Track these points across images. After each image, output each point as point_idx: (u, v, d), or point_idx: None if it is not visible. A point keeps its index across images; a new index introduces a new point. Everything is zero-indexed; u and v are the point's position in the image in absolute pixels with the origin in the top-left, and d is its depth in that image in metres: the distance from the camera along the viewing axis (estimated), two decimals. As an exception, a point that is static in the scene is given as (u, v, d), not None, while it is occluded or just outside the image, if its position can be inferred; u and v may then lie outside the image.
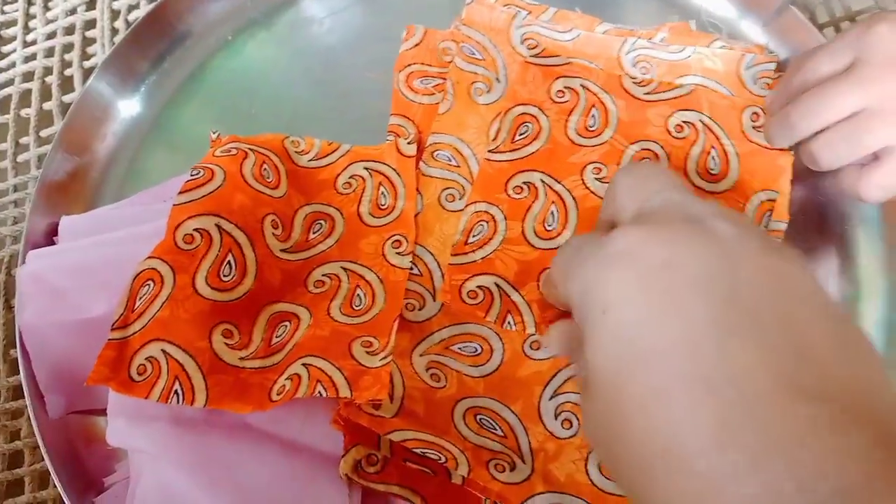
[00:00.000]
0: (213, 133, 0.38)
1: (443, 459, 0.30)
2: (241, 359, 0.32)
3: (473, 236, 0.36)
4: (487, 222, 0.36)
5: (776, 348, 0.19)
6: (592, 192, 0.37)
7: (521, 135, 0.38)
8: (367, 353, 0.32)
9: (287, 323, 0.34)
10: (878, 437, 0.17)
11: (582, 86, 0.39)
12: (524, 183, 0.37)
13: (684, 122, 0.38)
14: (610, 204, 0.27)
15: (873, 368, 0.19)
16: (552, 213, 0.36)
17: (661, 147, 0.37)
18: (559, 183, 0.37)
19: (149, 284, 0.32)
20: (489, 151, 0.38)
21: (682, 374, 0.19)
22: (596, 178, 0.37)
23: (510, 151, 0.38)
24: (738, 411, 0.18)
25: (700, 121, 0.38)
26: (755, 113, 0.38)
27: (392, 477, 0.31)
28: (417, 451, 0.30)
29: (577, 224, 0.36)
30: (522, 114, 0.38)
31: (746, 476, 0.17)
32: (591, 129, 0.38)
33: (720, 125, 0.38)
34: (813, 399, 0.18)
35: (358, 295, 0.35)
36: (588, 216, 0.36)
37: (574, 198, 0.37)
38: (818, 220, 0.38)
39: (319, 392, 0.30)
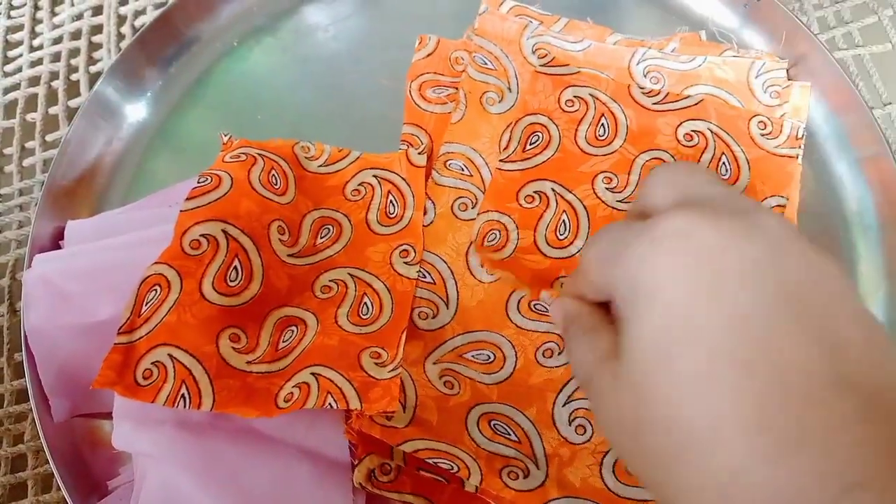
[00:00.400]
0: (225, 135, 0.38)
1: (455, 469, 0.30)
2: (248, 363, 0.33)
3: (488, 241, 0.36)
4: (499, 231, 0.36)
5: (817, 341, 0.19)
6: (603, 202, 0.37)
7: (531, 144, 0.38)
8: (377, 364, 0.32)
9: (294, 328, 0.34)
10: None
11: (591, 95, 0.39)
12: (535, 192, 0.37)
13: (693, 130, 0.38)
14: (646, 196, 0.26)
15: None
16: (563, 222, 0.37)
17: (672, 156, 0.38)
18: (570, 192, 0.37)
19: (156, 289, 0.33)
20: (500, 161, 0.38)
21: (727, 357, 0.19)
22: (607, 188, 0.37)
23: (521, 161, 0.38)
24: (776, 398, 0.18)
25: (709, 129, 0.38)
26: (762, 122, 0.38)
27: (405, 486, 0.31)
28: (430, 460, 0.30)
29: (588, 233, 0.36)
30: (532, 123, 0.39)
31: (776, 462, 0.18)
32: (601, 138, 0.38)
33: (728, 132, 0.38)
34: (846, 392, 0.18)
35: (365, 303, 0.35)
36: (599, 225, 0.36)
37: (585, 207, 0.37)
38: (818, 227, 0.38)
39: (330, 404, 0.30)
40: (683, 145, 0.38)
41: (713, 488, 0.19)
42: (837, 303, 0.20)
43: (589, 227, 0.36)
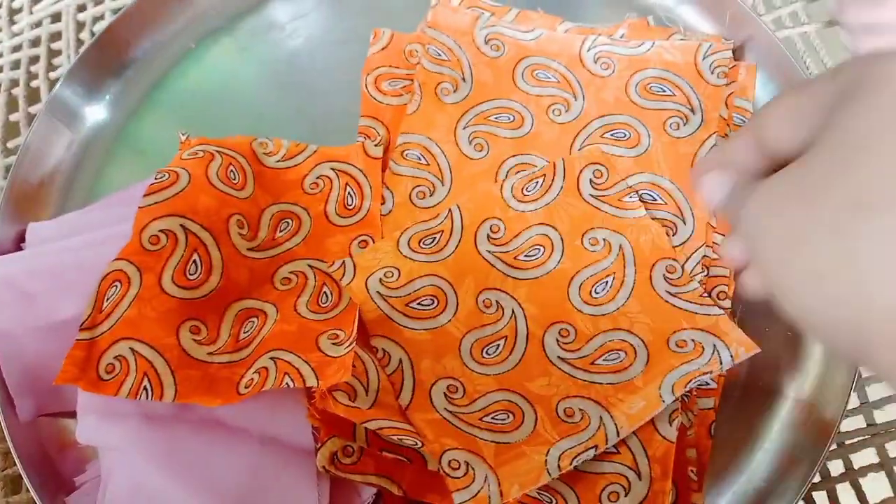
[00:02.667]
0: (183, 135, 0.39)
1: (419, 444, 0.31)
2: (209, 353, 0.33)
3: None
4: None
5: None
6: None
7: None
8: (334, 344, 0.32)
9: (254, 319, 0.34)
10: None
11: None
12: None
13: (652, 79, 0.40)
14: (768, 145, 0.26)
15: None
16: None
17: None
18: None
19: (116, 285, 0.33)
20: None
21: None
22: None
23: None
24: None
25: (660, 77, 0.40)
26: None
27: (368, 467, 0.32)
28: (394, 438, 0.31)
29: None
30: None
31: None
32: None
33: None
34: None
35: (325, 293, 0.35)
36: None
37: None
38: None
39: (287, 383, 0.30)
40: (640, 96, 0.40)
41: None
42: None
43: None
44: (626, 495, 0.31)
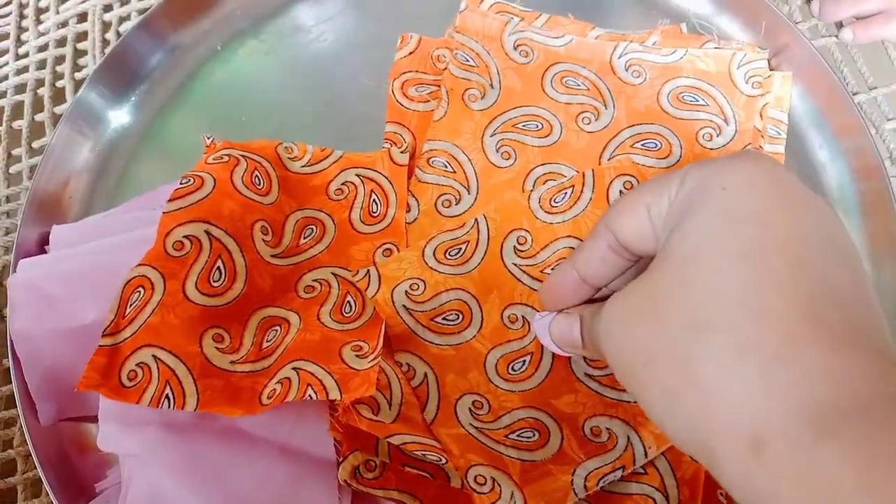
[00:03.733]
0: (208, 138, 0.38)
1: (443, 461, 0.30)
2: (232, 362, 0.33)
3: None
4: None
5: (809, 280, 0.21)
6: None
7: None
8: (357, 356, 0.32)
9: (278, 327, 0.34)
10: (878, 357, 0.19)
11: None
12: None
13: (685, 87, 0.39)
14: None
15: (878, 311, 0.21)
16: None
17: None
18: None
19: (139, 291, 0.33)
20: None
21: (760, 247, 0.21)
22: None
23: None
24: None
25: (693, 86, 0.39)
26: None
27: (391, 482, 0.31)
28: (418, 453, 0.30)
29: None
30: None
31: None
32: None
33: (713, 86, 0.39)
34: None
35: (348, 301, 0.35)
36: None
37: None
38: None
39: (310, 395, 0.30)
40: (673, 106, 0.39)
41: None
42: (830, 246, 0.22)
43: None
44: None
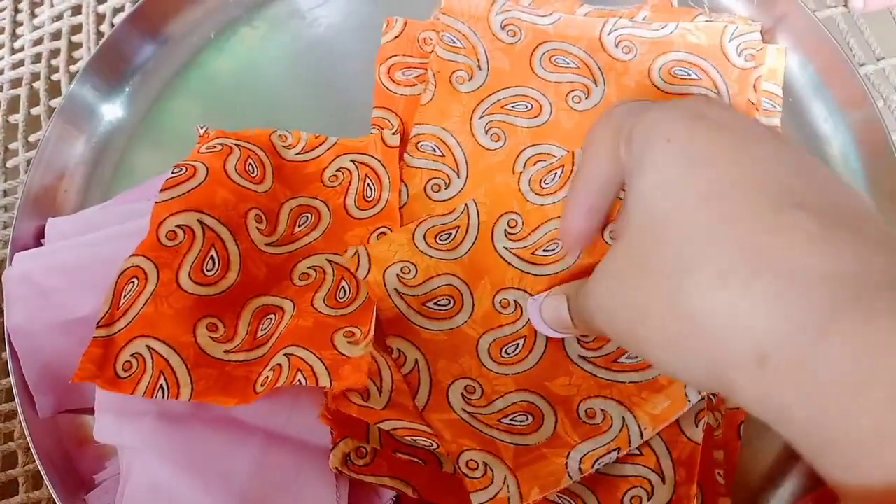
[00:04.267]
0: (201, 128, 0.38)
1: (435, 446, 0.30)
2: (226, 352, 0.32)
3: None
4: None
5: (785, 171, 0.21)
6: None
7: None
8: (349, 342, 0.31)
9: (272, 316, 0.34)
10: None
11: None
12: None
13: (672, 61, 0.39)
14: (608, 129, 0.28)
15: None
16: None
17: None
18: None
19: (133, 282, 0.32)
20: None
21: (716, 185, 0.22)
22: None
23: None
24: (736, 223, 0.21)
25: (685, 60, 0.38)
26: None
27: (382, 469, 0.31)
28: (409, 439, 0.30)
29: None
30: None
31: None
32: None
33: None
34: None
35: (342, 287, 0.35)
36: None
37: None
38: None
39: (299, 381, 0.29)
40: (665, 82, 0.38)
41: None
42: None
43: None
44: (648, 499, 0.30)
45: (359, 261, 0.35)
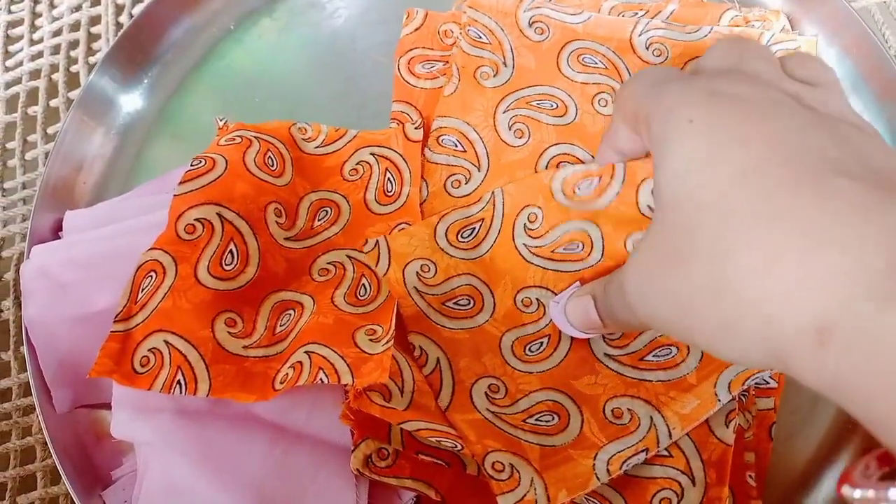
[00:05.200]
0: (220, 120, 0.38)
1: (458, 447, 0.29)
2: (245, 347, 0.32)
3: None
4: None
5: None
6: None
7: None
8: (371, 340, 0.31)
9: (291, 311, 0.33)
10: None
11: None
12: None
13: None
14: (703, 60, 0.28)
15: None
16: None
17: None
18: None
19: (151, 276, 0.32)
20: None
21: (750, 162, 0.21)
22: None
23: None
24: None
25: None
26: None
27: (404, 470, 0.30)
28: (432, 440, 0.29)
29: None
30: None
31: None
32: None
33: None
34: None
35: (363, 284, 0.34)
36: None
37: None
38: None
39: (321, 379, 0.29)
40: None
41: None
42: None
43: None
44: (678, 502, 0.29)
45: (379, 254, 0.34)
